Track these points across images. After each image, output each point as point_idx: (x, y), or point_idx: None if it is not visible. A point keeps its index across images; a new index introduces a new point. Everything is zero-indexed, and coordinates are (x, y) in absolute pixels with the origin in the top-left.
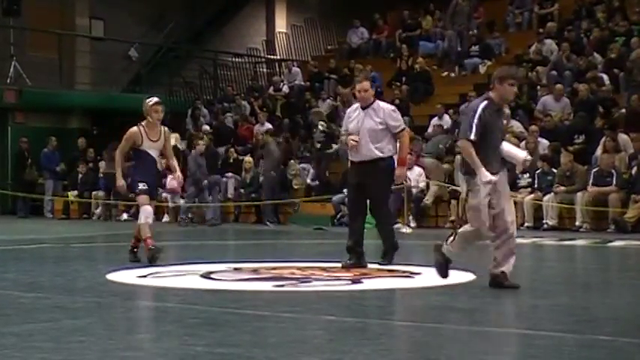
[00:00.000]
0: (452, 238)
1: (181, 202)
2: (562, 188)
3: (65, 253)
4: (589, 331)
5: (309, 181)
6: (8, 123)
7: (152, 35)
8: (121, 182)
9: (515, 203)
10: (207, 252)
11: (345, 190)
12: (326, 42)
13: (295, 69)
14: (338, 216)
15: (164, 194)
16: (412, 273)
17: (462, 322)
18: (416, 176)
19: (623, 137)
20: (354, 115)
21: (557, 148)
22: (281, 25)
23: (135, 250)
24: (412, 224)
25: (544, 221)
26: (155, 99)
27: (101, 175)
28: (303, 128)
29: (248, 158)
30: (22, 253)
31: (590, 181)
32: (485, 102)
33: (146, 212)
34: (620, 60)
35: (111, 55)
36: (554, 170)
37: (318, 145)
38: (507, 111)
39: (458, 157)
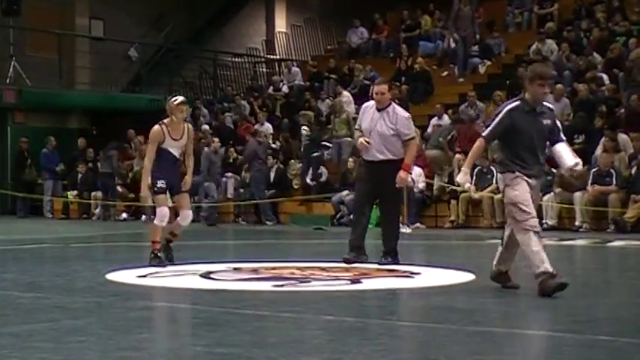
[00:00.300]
0: (497, 257)
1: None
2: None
3: (65, 253)
4: (589, 331)
5: (308, 180)
6: (8, 123)
7: (152, 35)
8: (145, 192)
9: None
10: (206, 252)
11: (344, 192)
12: (326, 42)
13: (295, 69)
14: (337, 216)
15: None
16: (412, 273)
17: (462, 322)
18: (416, 176)
19: (622, 137)
20: (369, 113)
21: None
22: (281, 25)
23: (166, 247)
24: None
25: (544, 221)
26: (180, 98)
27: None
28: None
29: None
30: (21, 253)
31: (590, 181)
32: (516, 103)
33: (161, 214)
34: (620, 60)
35: (111, 55)
36: (554, 170)
37: (302, 149)
38: None
39: (492, 156)
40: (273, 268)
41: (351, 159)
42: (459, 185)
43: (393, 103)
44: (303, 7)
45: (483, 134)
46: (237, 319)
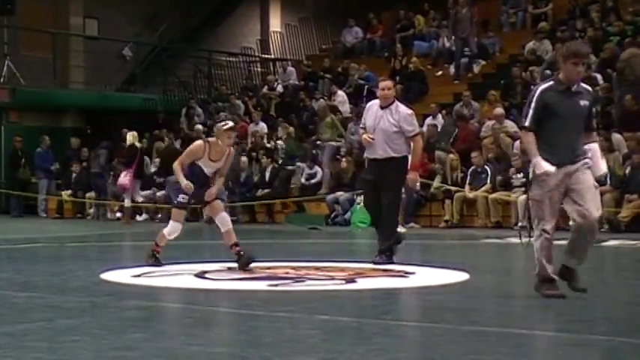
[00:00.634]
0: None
1: (140, 199)
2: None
3: (59, 252)
4: (584, 331)
5: (303, 180)
6: (2, 122)
7: (146, 34)
8: (184, 182)
9: (509, 203)
10: (201, 251)
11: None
12: (320, 41)
13: (290, 68)
14: (332, 215)
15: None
16: (407, 272)
17: (457, 322)
18: None
19: (616, 137)
20: (372, 111)
21: None
22: (275, 24)
23: (241, 253)
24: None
25: None
26: (230, 124)
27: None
28: (298, 127)
29: (243, 158)
30: (15, 253)
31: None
32: (550, 83)
33: (174, 228)
34: (614, 60)
35: (105, 55)
36: None
37: (280, 162)
38: (501, 110)
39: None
40: (268, 268)
41: (344, 159)
42: (537, 174)
43: (397, 101)
44: (297, 7)
45: (525, 124)
46: (231, 318)
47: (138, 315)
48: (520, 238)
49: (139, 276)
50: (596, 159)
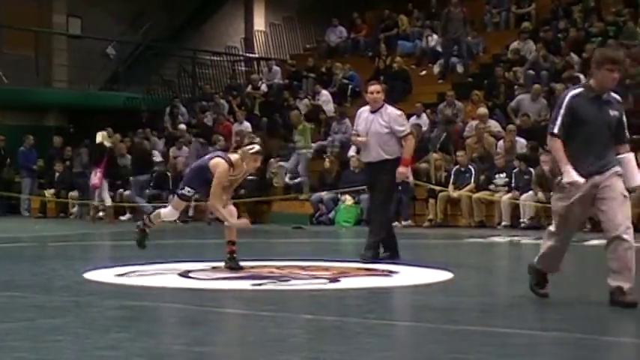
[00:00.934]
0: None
1: (108, 200)
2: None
3: (42, 252)
4: (565, 329)
5: (287, 179)
6: None
7: (130, 33)
8: (236, 222)
9: (492, 202)
10: (185, 251)
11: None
12: (305, 41)
13: (275, 68)
14: (316, 214)
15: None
16: (390, 272)
17: (440, 321)
18: None
19: None
20: (363, 117)
21: (536, 147)
22: (260, 23)
23: (234, 255)
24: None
25: (521, 220)
26: (257, 148)
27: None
28: (282, 127)
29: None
30: None
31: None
32: (579, 89)
33: (170, 213)
34: None
35: (88, 53)
36: (532, 169)
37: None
38: (485, 110)
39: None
40: (252, 267)
41: (327, 159)
42: (566, 183)
43: (386, 104)
44: (281, 6)
45: (553, 131)
46: (215, 317)
47: (121, 314)
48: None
49: (122, 275)
50: (630, 169)
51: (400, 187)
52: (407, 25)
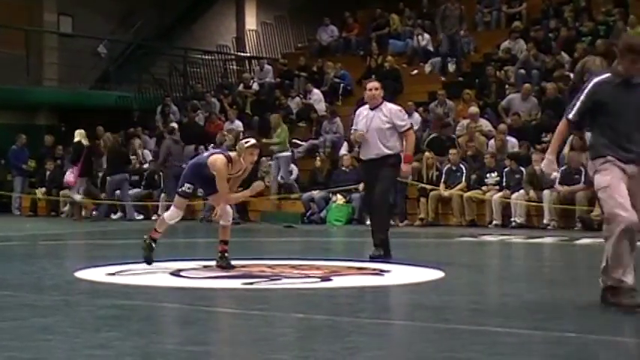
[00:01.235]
0: (604, 264)
1: (77, 197)
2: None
3: (33, 250)
4: (556, 329)
5: (279, 178)
6: None
7: (121, 32)
8: (237, 196)
9: (483, 201)
10: (176, 250)
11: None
12: (296, 39)
13: (267, 66)
14: (308, 213)
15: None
16: (382, 271)
17: (431, 320)
18: None
19: (590, 135)
20: (362, 115)
21: (528, 145)
22: (251, 22)
23: (226, 255)
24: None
25: (512, 219)
26: (252, 141)
27: None
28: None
29: None
30: None
31: (558, 180)
32: (606, 75)
33: (174, 214)
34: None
35: (79, 52)
36: (522, 169)
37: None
38: (476, 109)
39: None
40: (244, 266)
41: (318, 158)
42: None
43: (385, 101)
44: (273, 5)
45: (568, 115)
46: (206, 316)
47: (112, 313)
48: None
49: (113, 274)
50: None
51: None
52: (398, 24)
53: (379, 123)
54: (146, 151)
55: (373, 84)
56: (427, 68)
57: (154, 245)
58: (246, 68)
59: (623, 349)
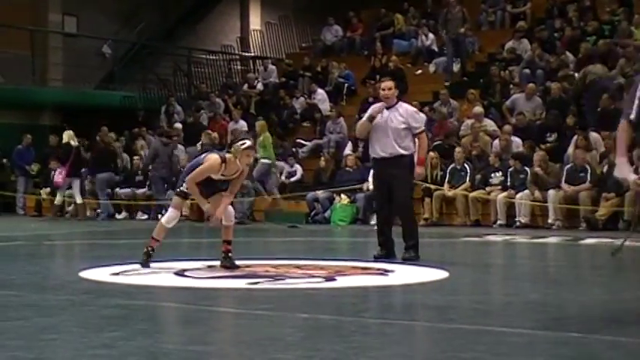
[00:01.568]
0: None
1: (58, 197)
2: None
3: (37, 250)
4: (560, 329)
5: (283, 178)
6: None
7: (125, 32)
8: (205, 206)
9: (488, 201)
10: (180, 249)
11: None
12: (300, 39)
13: (271, 66)
14: (312, 213)
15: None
16: (386, 270)
17: (436, 320)
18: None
19: (594, 136)
20: (377, 109)
21: (533, 145)
22: (255, 22)
23: (229, 255)
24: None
25: (517, 219)
26: (248, 143)
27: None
28: (278, 126)
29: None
30: None
31: (564, 178)
32: None
33: (171, 216)
34: (590, 59)
35: (84, 52)
36: (527, 169)
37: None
38: (480, 109)
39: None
40: (248, 266)
41: (323, 158)
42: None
43: (400, 100)
44: (277, 5)
45: (630, 117)
46: (210, 316)
47: (116, 313)
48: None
49: (117, 274)
50: None
51: None
52: (402, 24)
53: (397, 123)
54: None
55: (386, 84)
56: (431, 68)
57: (152, 253)
58: (250, 68)
59: (627, 349)
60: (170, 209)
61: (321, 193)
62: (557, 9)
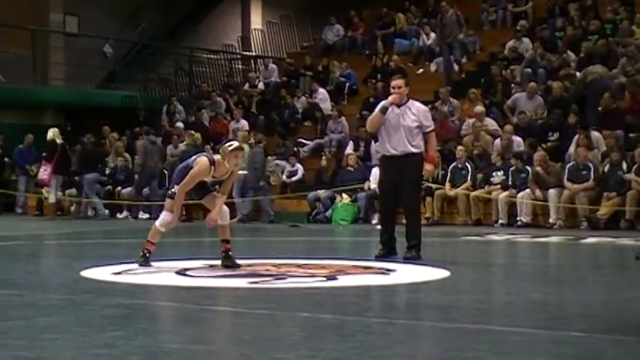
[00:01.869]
0: None
1: (51, 195)
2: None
3: (38, 250)
4: (562, 328)
5: (284, 177)
6: None
7: (127, 31)
8: (178, 214)
9: (489, 200)
10: (181, 249)
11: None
12: (301, 39)
13: (272, 65)
14: (313, 213)
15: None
16: (387, 270)
17: (437, 319)
18: (373, 177)
19: (595, 135)
20: (389, 110)
21: (534, 144)
22: (256, 21)
23: (230, 254)
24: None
25: (518, 218)
26: (235, 144)
27: None
28: (279, 125)
29: None
30: None
31: (565, 177)
32: None
33: (166, 220)
34: (592, 58)
35: (85, 52)
36: (528, 168)
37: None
38: (481, 108)
39: None
40: (249, 265)
41: (324, 157)
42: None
43: (411, 99)
44: (278, 4)
45: None
46: (212, 316)
47: (118, 313)
48: None
49: (119, 273)
50: None
51: None
52: (404, 23)
53: (409, 121)
54: None
55: (396, 82)
56: (433, 67)
57: (148, 255)
58: (251, 67)
59: (628, 348)
60: (164, 212)
61: (322, 193)
62: (558, 8)
